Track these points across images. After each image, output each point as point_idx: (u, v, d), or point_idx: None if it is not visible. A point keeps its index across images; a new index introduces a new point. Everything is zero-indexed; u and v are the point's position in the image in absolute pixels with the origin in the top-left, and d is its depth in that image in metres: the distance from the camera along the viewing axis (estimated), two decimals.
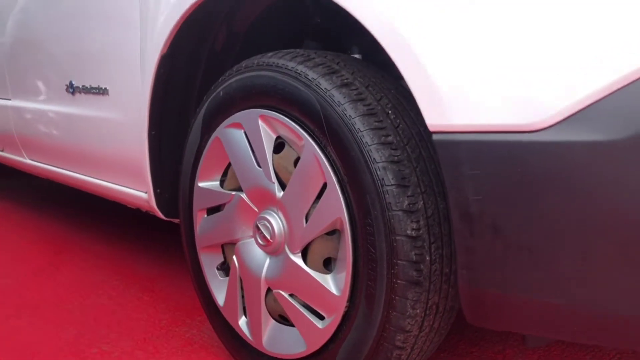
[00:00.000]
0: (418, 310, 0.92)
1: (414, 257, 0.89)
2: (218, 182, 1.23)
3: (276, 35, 1.43)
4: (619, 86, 0.70)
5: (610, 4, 0.71)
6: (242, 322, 1.20)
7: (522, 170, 0.74)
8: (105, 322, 1.52)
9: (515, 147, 0.75)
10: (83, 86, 1.65)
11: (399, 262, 0.90)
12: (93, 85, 1.60)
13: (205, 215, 1.26)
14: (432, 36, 0.81)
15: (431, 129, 0.83)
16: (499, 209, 0.78)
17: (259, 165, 1.10)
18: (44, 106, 1.89)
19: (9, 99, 2.13)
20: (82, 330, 1.47)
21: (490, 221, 0.79)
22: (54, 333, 1.46)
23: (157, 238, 2.19)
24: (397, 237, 0.89)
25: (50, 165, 2.01)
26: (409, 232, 0.89)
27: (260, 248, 1.13)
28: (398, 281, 0.90)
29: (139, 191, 1.54)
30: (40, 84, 1.92)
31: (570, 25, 0.72)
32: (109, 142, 1.59)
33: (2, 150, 2.36)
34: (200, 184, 1.25)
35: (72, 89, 1.71)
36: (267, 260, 1.12)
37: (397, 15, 0.84)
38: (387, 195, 0.89)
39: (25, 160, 2.19)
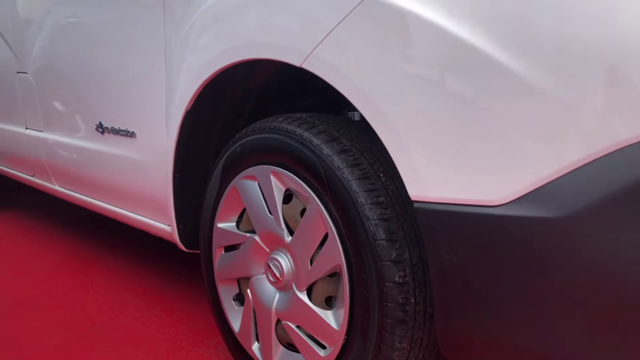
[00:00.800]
0: (405, 345, 1.09)
1: (400, 300, 1.06)
2: (234, 224, 1.41)
3: (285, 90, 1.61)
4: (561, 174, 0.87)
5: (555, 104, 0.87)
6: (255, 347, 1.38)
7: (483, 236, 0.92)
8: (132, 342, 1.70)
9: (478, 217, 0.92)
10: (112, 127, 1.83)
11: (388, 304, 1.07)
12: (122, 128, 1.78)
13: (223, 252, 1.44)
14: (412, 126, 0.98)
15: (412, 197, 1.00)
16: (466, 266, 0.95)
17: (270, 213, 1.27)
18: (74, 141, 2.08)
19: (41, 131, 2.32)
20: (111, 349, 1.65)
21: (460, 275, 0.96)
22: (86, 353, 1.64)
23: (179, 261, 2.37)
24: (387, 284, 1.06)
25: (79, 194, 2.20)
26: (396, 279, 1.06)
27: (271, 284, 1.30)
28: (387, 320, 1.07)
29: (162, 224, 1.73)
30: (71, 120, 2.10)
31: (521, 125, 0.89)
32: (135, 179, 1.77)
33: (32, 176, 2.55)
34: (219, 225, 1.42)
35: (101, 128, 1.89)
36: (277, 295, 1.30)
37: (384, 103, 1.01)
38: (378, 248, 1.06)
39: (55, 186, 2.37)
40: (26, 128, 2.43)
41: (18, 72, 2.39)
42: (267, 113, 1.52)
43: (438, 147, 0.96)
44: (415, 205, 0.99)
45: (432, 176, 0.96)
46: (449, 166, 0.95)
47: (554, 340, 0.90)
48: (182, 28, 1.46)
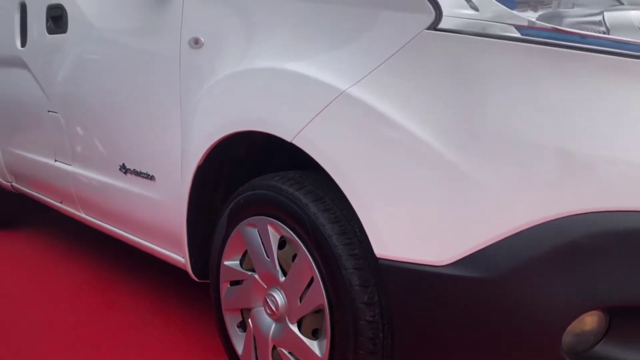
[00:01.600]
0: None
1: (371, 334, 1.30)
2: (238, 262, 1.66)
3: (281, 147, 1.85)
4: (493, 242, 1.10)
5: (484, 186, 1.11)
6: None
7: (431, 290, 1.15)
8: (150, 356, 1.95)
9: (427, 275, 1.16)
10: (134, 169, 2.09)
11: (361, 338, 1.31)
12: (143, 171, 2.04)
13: (229, 285, 1.69)
14: (377, 200, 1.22)
15: (376, 255, 1.24)
16: (420, 313, 1.18)
17: (268, 256, 1.52)
18: (99, 177, 2.33)
19: (69, 165, 2.58)
20: None
21: (414, 320, 1.20)
22: None
23: (192, 286, 2.62)
24: (360, 322, 1.30)
25: (102, 222, 2.46)
26: (368, 318, 1.30)
27: (268, 316, 1.55)
28: (360, 351, 1.31)
29: (178, 255, 1.98)
30: (97, 158, 2.36)
31: (460, 202, 1.12)
32: (154, 215, 2.03)
33: (60, 203, 2.82)
34: (226, 262, 1.67)
35: (124, 169, 2.15)
36: (273, 325, 1.54)
37: (354, 178, 1.25)
38: (353, 292, 1.30)
39: (81, 214, 2.64)
40: (55, 160, 2.70)
41: (49, 111, 2.65)
42: (266, 166, 1.76)
43: (396, 216, 1.20)
44: (379, 261, 1.23)
45: (392, 239, 1.20)
46: (406, 231, 1.19)
47: None
48: (195, 94, 1.71)
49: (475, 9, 1.16)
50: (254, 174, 1.65)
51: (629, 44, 1.08)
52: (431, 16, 1.18)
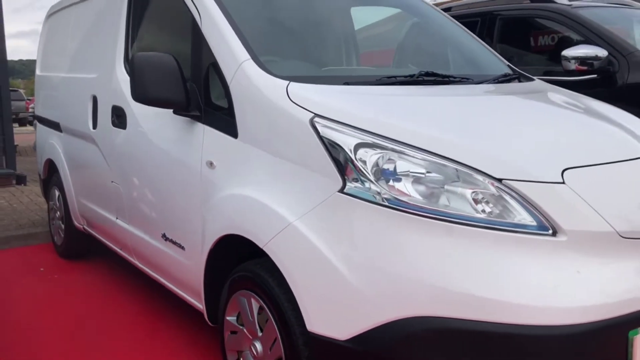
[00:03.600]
0: None
1: None
2: (235, 318, 2.40)
3: None
4: (370, 328, 1.80)
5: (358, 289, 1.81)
6: None
7: (336, 355, 1.86)
8: None
9: (335, 346, 1.86)
10: (172, 239, 2.87)
11: None
12: (177, 241, 2.81)
13: (230, 333, 2.44)
14: (305, 294, 1.94)
15: (307, 328, 1.95)
16: None
17: (251, 318, 2.26)
18: (148, 238, 3.13)
19: (128, 224, 3.40)
20: None
21: None
22: None
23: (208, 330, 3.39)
24: None
25: (148, 269, 3.26)
26: None
27: (252, 357, 2.28)
28: None
29: (198, 303, 2.74)
30: (146, 224, 3.15)
31: (348, 297, 1.83)
32: (183, 273, 2.80)
33: (120, 249, 3.66)
34: (227, 318, 2.42)
35: (165, 237, 2.93)
36: None
37: (296, 280, 1.97)
38: (299, 350, 2.01)
39: (134, 260, 3.46)
40: (117, 218, 3.53)
41: (112, 182, 3.49)
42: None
43: (317, 306, 1.91)
44: (309, 332, 1.95)
45: (314, 319, 1.92)
46: (322, 316, 1.90)
47: None
48: (210, 200, 2.46)
49: (369, 181, 1.86)
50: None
51: (459, 215, 1.77)
52: (339, 184, 1.89)
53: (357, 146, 1.92)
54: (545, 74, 4.40)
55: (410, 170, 1.86)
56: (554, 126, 2.21)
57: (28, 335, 3.20)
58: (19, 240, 5.01)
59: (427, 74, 2.62)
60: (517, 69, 3.24)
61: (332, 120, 2.00)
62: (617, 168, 1.99)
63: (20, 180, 7.32)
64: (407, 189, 1.83)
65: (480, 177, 1.82)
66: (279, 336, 2.10)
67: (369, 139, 1.92)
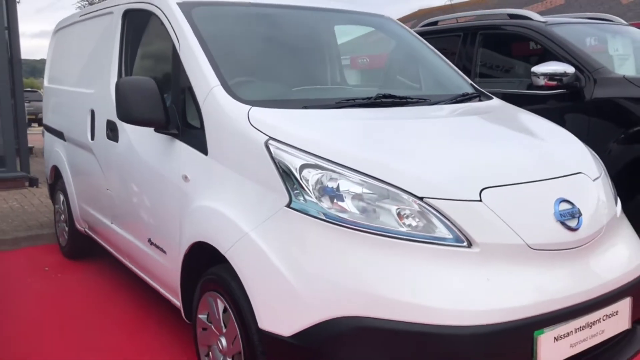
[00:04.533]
0: None
1: None
2: (206, 316, 2.68)
3: None
4: (307, 327, 2.07)
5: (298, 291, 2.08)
6: None
7: (282, 351, 2.13)
8: None
9: (280, 341, 2.13)
10: (156, 244, 3.16)
11: None
12: (160, 246, 3.10)
13: (201, 330, 2.72)
14: (257, 294, 2.21)
15: (259, 326, 2.22)
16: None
17: (217, 317, 2.54)
18: (137, 242, 3.42)
19: (121, 228, 3.70)
20: None
21: None
22: None
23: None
24: None
25: (138, 270, 3.55)
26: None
27: (219, 351, 2.56)
28: None
29: (177, 301, 3.03)
30: (137, 229, 3.45)
31: (290, 300, 2.10)
32: (164, 274, 3.09)
33: (115, 251, 3.96)
34: (199, 316, 2.71)
35: (150, 242, 3.23)
36: (221, 357, 2.55)
37: (249, 282, 2.25)
38: (254, 345, 2.29)
39: (125, 261, 3.76)
40: (112, 222, 3.84)
41: (107, 189, 3.80)
42: None
43: (266, 307, 2.19)
44: (261, 331, 2.22)
45: (264, 319, 2.19)
46: (270, 316, 2.17)
47: None
48: (185, 210, 2.74)
49: (311, 197, 2.13)
50: None
51: (384, 228, 2.03)
52: (287, 199, 2.17)
53: (302, 167, 2.19)
54: (521, 86, 4.63)
55: (348, 189, 2.13)
56: (482, 147, 2.46)
57: (28, 329, 3.52)
58: (28, 241, 5.35)
59: (385, 96, 2.89)
60: (479, 88, 3.49)
61: (283, 142, 2.28)
62: (531, 187, 2.24)
63: (33, 182, 7.69)
64: (343, 205, 2.10)
65: (405, 196, 2.08)
66: (238, 333, 2.38)
67: (313, 160, 2.19)
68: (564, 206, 2.23)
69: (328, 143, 2.27)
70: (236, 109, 2.52)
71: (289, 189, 2.18)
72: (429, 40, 5.76)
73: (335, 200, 2.12)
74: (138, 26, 3.59)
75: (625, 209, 3.01)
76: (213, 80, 2.66)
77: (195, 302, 2.74)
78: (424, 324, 1.95)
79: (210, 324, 2.63)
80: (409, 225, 2.07)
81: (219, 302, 2.52)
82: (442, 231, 2.05)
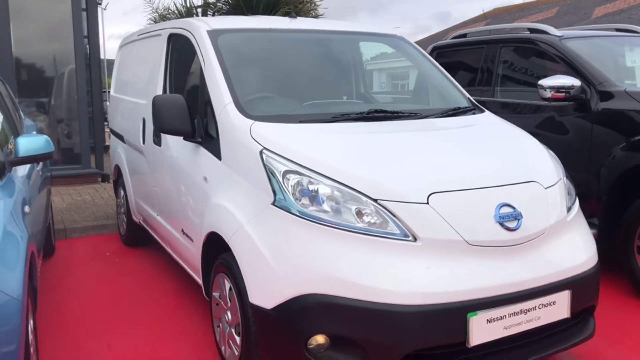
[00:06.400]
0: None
1: (254, 335, 2.81)
2: (219, 294, 3.23)
3: None
4: (283, 301, 2.57)
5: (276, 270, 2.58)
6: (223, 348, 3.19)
7: (266, 322, 2.64)
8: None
9: (264, 312, 2.64)
10: (186, 233, 3.75)
11: (251, 336, 2.82)
12: (190, 235, 3.69)
13: (215, 305, 3.27)
14: (249, 276, 2.73)
15: (250, 300, 2.74)
16: (263, 329, 2.68)
17: (225, 294, 3.08)
18: (175, 232, 4.03)
19: (165, 221, 4.32)
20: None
21: (262, 333, 2.69)
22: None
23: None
24: (251, 330, 2.81)
25: (176, 257, 4.16)
26: (253, 329, 2.81)
27: (226, 322, 3.10)
28: (251, 339, 2.83)
29: (200, 281, 3.60)
30: (174, 221, 4.06)
31: (271, 277, 2.60)
32: (192, 258, 3.67)
33: (160, 239, 4.59)
34: (214, 294, 3.26)
35: (183, 232, 3.82)
36: (228, 328, 3.09)
37: (242, 262, 2.77)
38: (248, 317, 2.81)
39: (168, 249, 4.38)
40: (157, 215, 4.48)
41: (154, 187, 4.44)
42: None
43: (254, 284, 2.70)
44: (251, 304, 2.74)
45: (253, 294, 2.70)
46: (257, 291, 2.69)
47: None
48: (206, 206, 3.30)
49: (290, 197, 2.62)
50: None
51: (345, 224, 2.50)
52: (272, 198, 2.67)
53: (285, 172, 2.69)
54: (537, 96, 4.92)
55: (321, 191, 2.61)
56: (441, 158, 2.87)
57: (87, 302, 4.20)
58: (94, 230, 6.12)
59: (377, 111, 3.34)
60: (475, 102, 3.87)
61: (273, 152, 2.79)
62: (476, 193, 2.64)
63: (104, 178, 8.57)
64: (316, 204, 2.59)
65: (364, 198, 2.54)
66: (238, 306, 2.91)
67: (294, 167, 2.69)
68: (506, 210, 2.62)
69: (308, 153, 2.76)
70: (242, 123, 3.05)
71: (274, 190, 2.69)
72: (457, 52, 6.14)
73: (310, 200, 2.61)
74: (179, 48, 4.19)
75: (624, 212, 3.93)
76: (227, 98, 3.21)
77: (210, 282, 3.30)
78: (373, 301, 2.41)
79: (220, 300, 3.17)
80: (368, 222, 2.53)
81: (226, 282, 3.06)
82: (392, 227, 2.50)
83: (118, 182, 5.87)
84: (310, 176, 2.64)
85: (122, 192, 5.68)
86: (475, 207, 2.60)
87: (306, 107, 3.47)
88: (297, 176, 2.66)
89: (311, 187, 2.62)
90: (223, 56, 3.46)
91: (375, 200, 2.53)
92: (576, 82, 4.41)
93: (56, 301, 4.23)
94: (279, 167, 2.72)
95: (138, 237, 5.57)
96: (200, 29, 3.69)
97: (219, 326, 3.25)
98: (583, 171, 4.43)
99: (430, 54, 6.28)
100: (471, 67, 5.72)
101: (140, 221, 5.21)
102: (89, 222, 6.24)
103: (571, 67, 4.65)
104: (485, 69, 5.48)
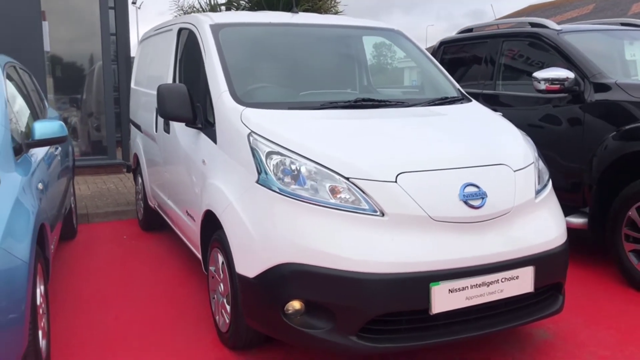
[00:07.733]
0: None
1: (240, 303, 3.06)
2: (214, 268, 3.49)
3: None
4: (263, 270, 2.81)
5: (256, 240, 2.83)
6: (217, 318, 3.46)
7: (250, 288, 2.89)
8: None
9: (248, 281, 2.89)
10: (189, 214, 4.02)
11: (237, 305, 3.07)
12: (192, 215, 3.96)
13: (211, 277, 3.54)
14: (235, 247, 2.98)
15: (236, 270, 2.99)
16: (247, 296, 2.93)
17: (218, 266, 3.34)
18: (180, 213, 4.31)
19: (174, 205, 4.61)
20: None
21: (245, 299, 2.94)
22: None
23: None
24: (237, 299, 3.06)
25: (183, 237, 4.45)
26: (239, 299, 3.06)
27: (220, 293, 3.36)
28: (237, 307, 3.08)
29: (200, 256, 3.87)
30: (180, 203, 4.34)
31: (258, 247, 2.85)
32: (193, 235, 3.94)
33: (170, 222, 4.89)
34: (210, 268, 3.52)
35: (187, 213, 4.10)
36: (222, 299, 3.35)
37: (231, 236, 3.02)
38: (236, 286, 3.06)
39: (177, 231, 4.67)
40: (168, 199, 4.77)
41: (165, 172, 4.73)
42: None
43: (240, 256, 2.95)
44: (237, 274, 2.99)
45: (238, 264, 2.96)
46: (242, 262, 2.93)
47: None
48: (205, 187, 3.57)
49: (271, 176, 2.86)
50: None
51: (320, 200, 2.73)
52: (256, 176, 2.92)
53: (268, 153, 2.93)
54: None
55: (300, 170, 2.84)
56: (412, 141, 3.07)
57: (103, 280, 4.52)
58: (115, 215, 6.48)
59: (364, 99, 3.56)
60: (464, 92, 4.05)
61: (258, 134, 3.03)
62: (443, 174, 2.83)
63: (129, 168, 8.92)
64: (295, 182, 2.82)
65: (337, 176, 2.77)
66: (227, 278, 3.17)
67: (276, 148, 2.93)
68: (471, 189, 2.81)
69: (291, 136, 3.00)
70: (234, 109, 3.30)
71: (258, 169, 2.93)
72: (463, 46, 6.30)
73: (292, 179, 2.84)
74: (186, 41, 4.47)
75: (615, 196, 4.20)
76: (223, 86, 3.46)
77: (207, 257, 3.56)
78: (343, 269, 2.63)
79: (215, 274, 3.44)
80: (340, 199, 2.75)
81: (219, 256, 3.32)
82: (362, 204, 2.71)
83: (137, 170, 6.19)
84: (290, 157, 2.88)
85: (139, 179, 6.00)
86: (441, 186, 2.80)
87: (301, 97, 3.70)
88: (279, 157, 2.90)
89: (292, 167, 2.86)
90: (222, 48, 3.71)
91: (348, 179, 2.75)
92: (570, 74, 4.53)
93: (73, 276, 4.56)
94: (263, 148, 2.97)
95: (154, 222, 5.88)
96: (204, 23, 3.96)
97: (214, 298, 3.51)
98: (577, 161, 4.56)
99: (438, 48, 6.45)
100: (476, 61, 5.87)
101: (155, 206, 5.52)
102: (111, 208, 6.59)
103: (567, 59, 4.77)
104: (487, 63, 5.63)
